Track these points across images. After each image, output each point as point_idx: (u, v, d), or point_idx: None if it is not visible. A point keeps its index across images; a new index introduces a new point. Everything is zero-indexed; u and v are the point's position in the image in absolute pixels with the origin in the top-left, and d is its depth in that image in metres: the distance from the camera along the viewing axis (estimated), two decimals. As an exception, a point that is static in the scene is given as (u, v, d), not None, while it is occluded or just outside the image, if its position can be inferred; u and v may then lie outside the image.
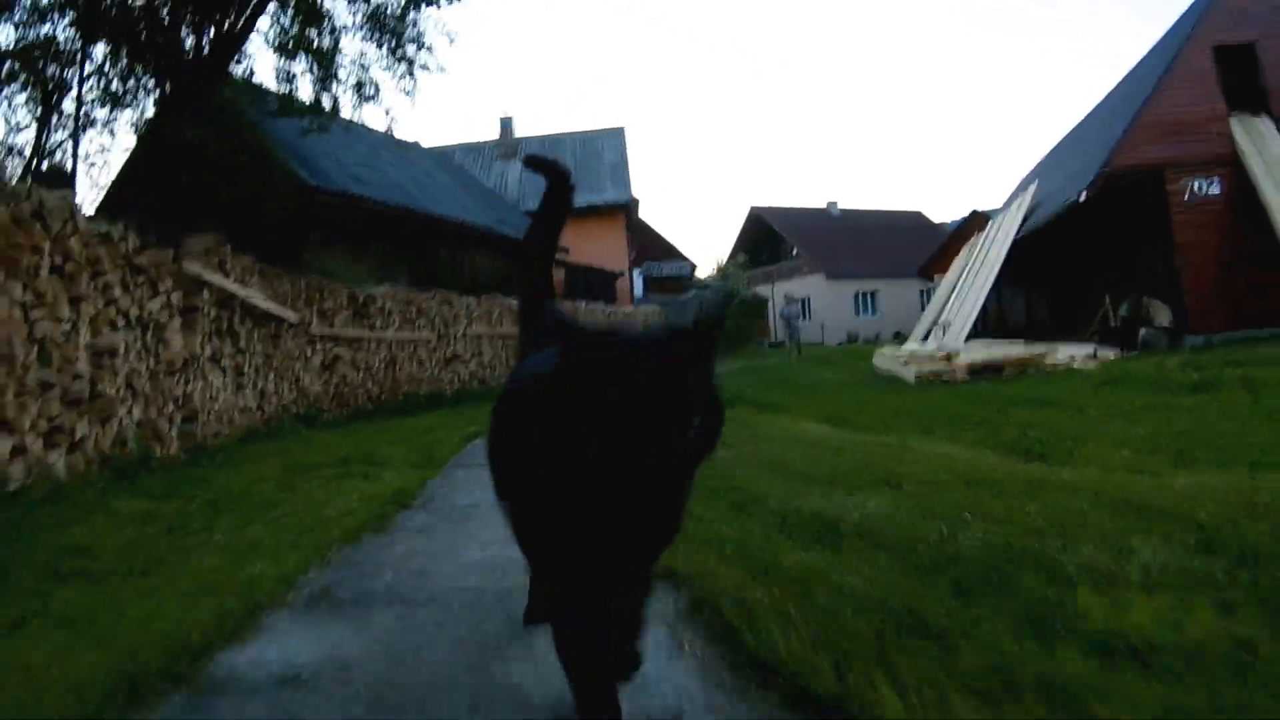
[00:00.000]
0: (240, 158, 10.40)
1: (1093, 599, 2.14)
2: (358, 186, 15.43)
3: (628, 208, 28.70)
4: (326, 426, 9.80)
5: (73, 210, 5.63)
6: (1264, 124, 16.37)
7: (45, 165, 10.85)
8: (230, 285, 8.17)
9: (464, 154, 29.31)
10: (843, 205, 48.76)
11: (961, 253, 24.22)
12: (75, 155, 11.21)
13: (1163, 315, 16.81)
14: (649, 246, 38.54)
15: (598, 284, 25.25)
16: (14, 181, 9.13)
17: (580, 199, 27.64)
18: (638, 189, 69.70)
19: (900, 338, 30.18)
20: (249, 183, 10.59)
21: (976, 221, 28.54)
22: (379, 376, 12.38)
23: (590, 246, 25.77)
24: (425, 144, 24.78)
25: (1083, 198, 17.17)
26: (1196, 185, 16.45)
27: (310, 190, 13.18)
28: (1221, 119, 16.47)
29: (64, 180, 10.32)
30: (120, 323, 6.17)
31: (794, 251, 44.33)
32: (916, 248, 36.03)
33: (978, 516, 3.16)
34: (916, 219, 48.88)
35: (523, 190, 27.96)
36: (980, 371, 13.51)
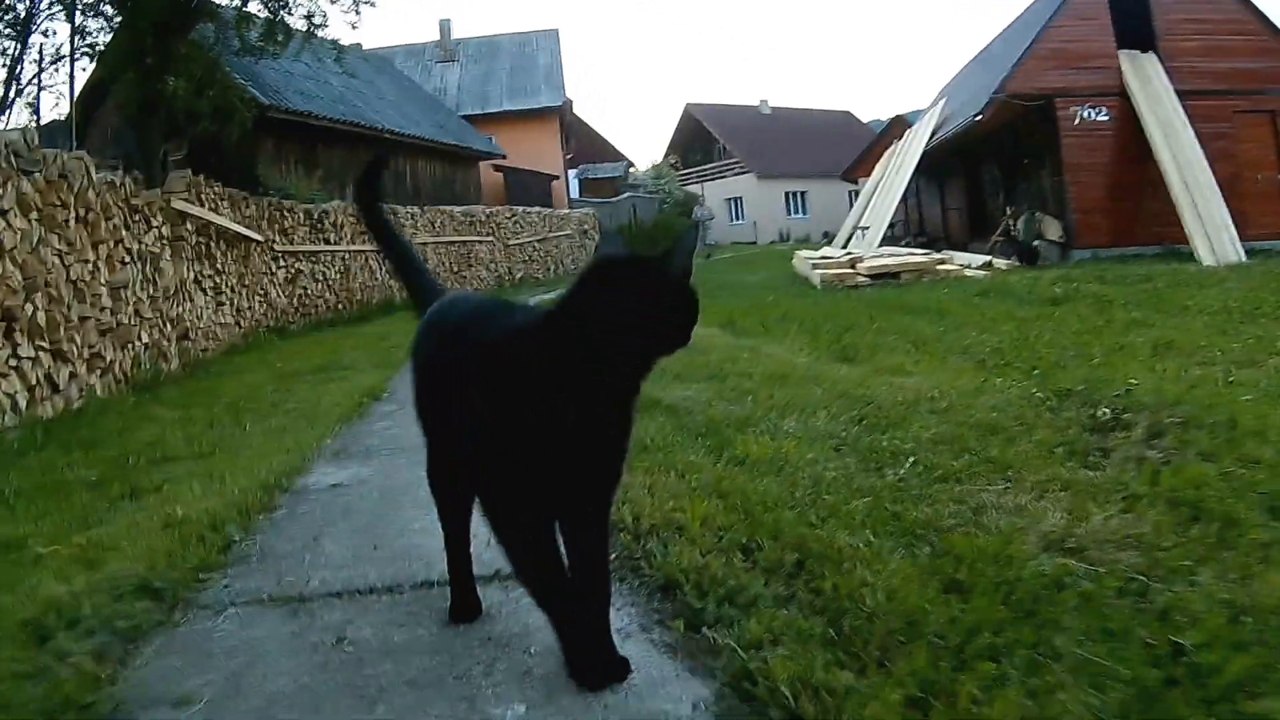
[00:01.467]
0: (201, 83, 11.19)
1: (752, 441, 3.49)
2: (305, 102, 16.27)
3: (561, 110, 29.46)
4: (294, 336, 11.11)
5: (88, 168, 6.81)
6: (1150, 62, 17.71)
7: (14, 97, 11.61)
8: (208, 215, 9.35)
9: (405, 57, 29.71)
10: (773, 104, 49.60)
11: (882, 159, 25.28)
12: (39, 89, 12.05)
13: (1053, 230, 18.37)
14: (586, 147, 39.17)
15: (533, 187, 26.15)
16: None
17: (515, 103, 28.80)
18: (574, 89, 69.53)
19: (829, 237, 31.17)
20: (209, 104, 11.40)
21: (897, 127, 29.45)
22: (336, 287, 13.64)
23: (525, 150, 26.63)
24: (366, 45, 25.11)
25: (978, 119, 18.66)
26: (1085, 113, 17.87)
27: (263, 108, 13.92)
28: (1111, 55, 17.85)
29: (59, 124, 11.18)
30: (126, 258, 7.39)
31: (726, 149, 45.23)
32: (845, 148, 36.66)
33: (750, 400, 4.50)
34: (845, 119, 49.75)
35: (462, 95, 28.71)
36: (880, 277, 14.51)
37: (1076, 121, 17.93)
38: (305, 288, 12.68)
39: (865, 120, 49.01)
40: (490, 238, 20.42)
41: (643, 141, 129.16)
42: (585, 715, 1.53)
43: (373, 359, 7.97)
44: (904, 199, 26.94)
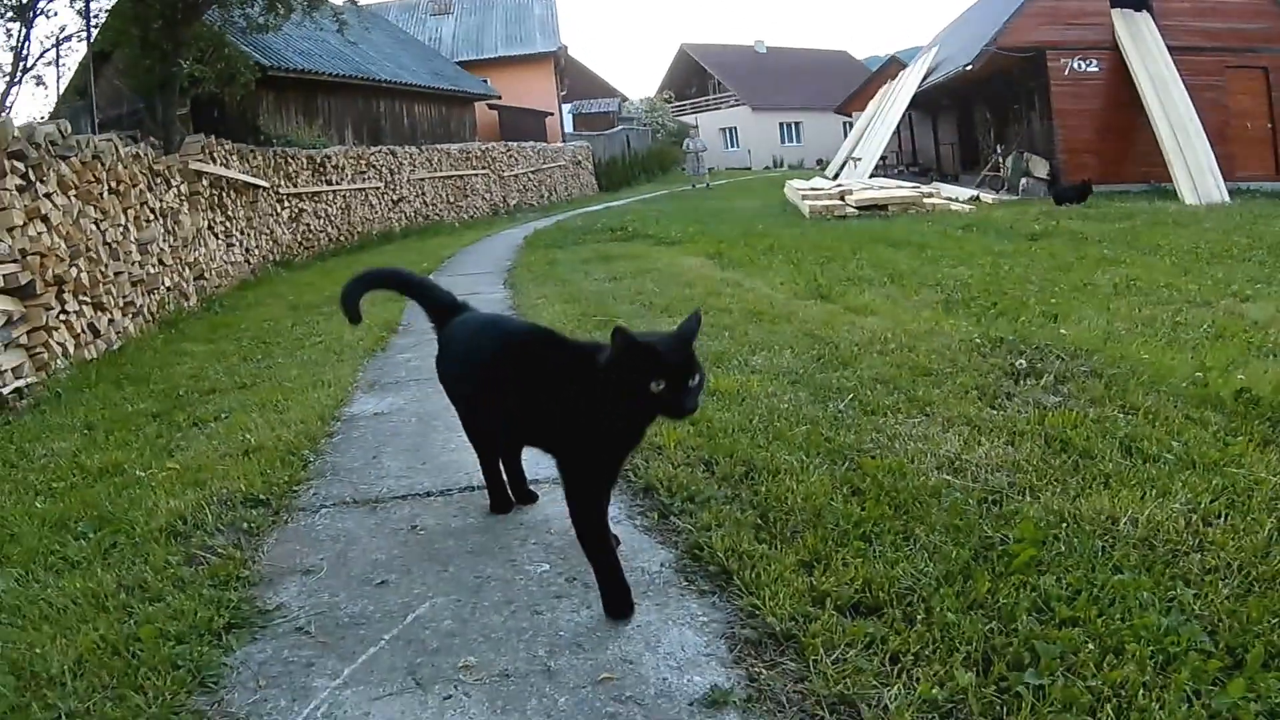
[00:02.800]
0: (208, 56, 11.69)
1: (724, 376, 3.98)
2: (305, 60, 16.62)
3: (556, 55, 29.71)
4: (299, 268, 11.73)
5: (117, 146, 7.40)
6: (1144, 19, 18.38)
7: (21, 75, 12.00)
8: (222, 171, 9.93)
9: (399, 12, 29.80)
10: (770, 44, 49.62)
11: (876, 95, 25.90)
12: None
13: (1040, 168, 19.20)
14: (581, 84, 39.26)
15: (528, 124, 26.54)
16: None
17: (511, 50, 28.92)
18: (569, 28, 68.72)
19: (822, 165, 31.83)
20: (214, 71, 11.88)
21: (893, 66, 29.94)
22: (337, 222, 14.28)
23: (521, 91, 27.00)
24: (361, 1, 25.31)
25: (969, 68, 19.37)
26: (1076, 64, 18.75)
27: (264, 69, 14.32)
28: (1103, 13, 18.55)
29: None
30: (151, 218, 7.97)
31: (720, 84, 45.36)
32: (840, 84, 37.18)
33: (727, 335, 4.98)
34: (841, 58, 49.91)
35: (457, 44, 28.97)
36: (868, 209, 14.89)
37: (1066, 72, 18.83)
38: (308, 224, 13.34)
39: (861, 58, 49.18)
40: (485, 170, 21.01)
41: (637, 79, 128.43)
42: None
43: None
44: (897, 130, 27.47)
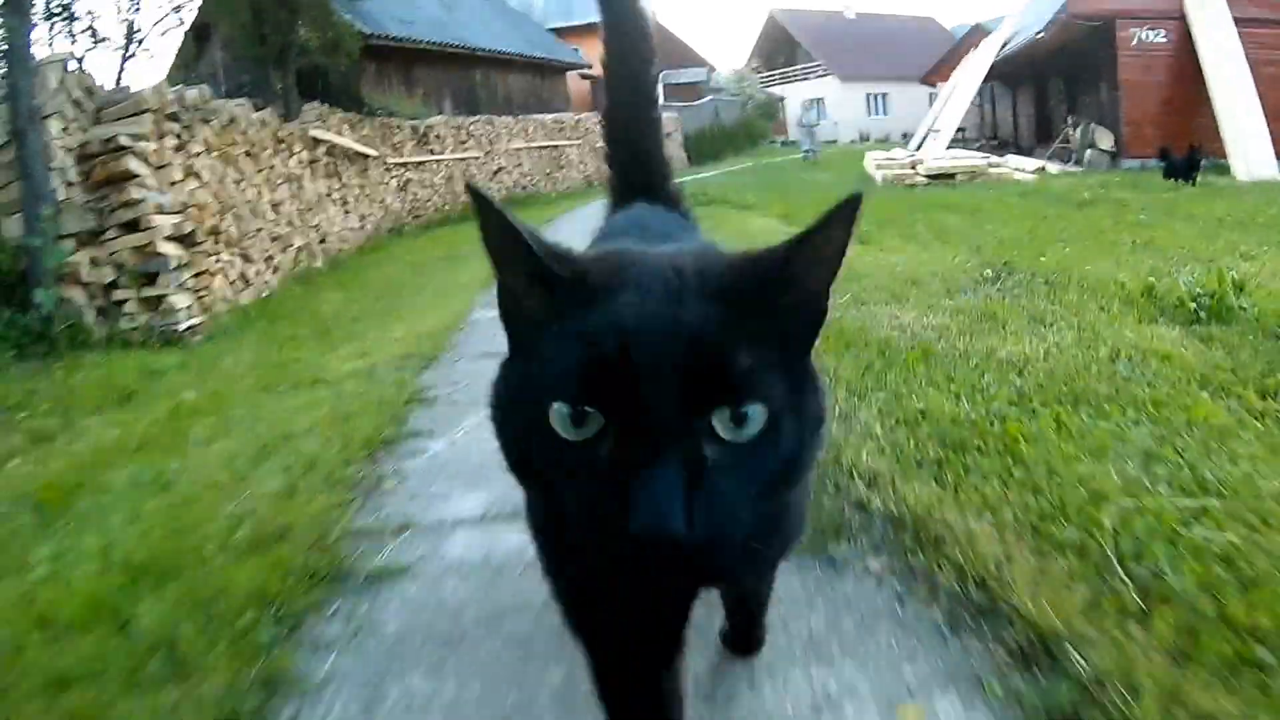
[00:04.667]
0: (315, 25, 12.67)
1: None
2: (402, 29, 17.66)
3: (646, 21, 30.36)
4: (410, 236, 12.80)
5: (248, 112, 8.44)
6: None
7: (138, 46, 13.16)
8: (337, 139, 10.97)
9: (490, -25, 30.70)
10: (858, 9, 49.50)
11: (960, 65, 26.12)
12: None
13: (1105, 140, 19.42)
14: (669, 53, 39.69)
15: (618, 95, 27.32)
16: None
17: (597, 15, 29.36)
18: None
19: (907, 138, 32.00)
20: (317, 40, 12.86)
21: (977, 35, 29.87)
22: (441, 191, 15.30)
23: (610, 61, 27.78)
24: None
25: (1040, 36, 19.65)
26: (1144, 34, 18.71)
27: (365, 38, 15.32)
28: None
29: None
30: (279, 181, 9.04)
31: (808, 53, 45.46)
32: (927, 53, 36.47)
33: None
34: (928, 24, 49.42)
35: (547, 8, 29.71)
36: (937, 178, 15.56)
37: (1135, 42, 18.77)
38: (415, 194, 14.36)
39: (949, 26, 48.72)
40: (579, 141, 21.68)
41: (726, 47, 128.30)
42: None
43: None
44: (979, 104, 27.54)
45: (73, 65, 6.45)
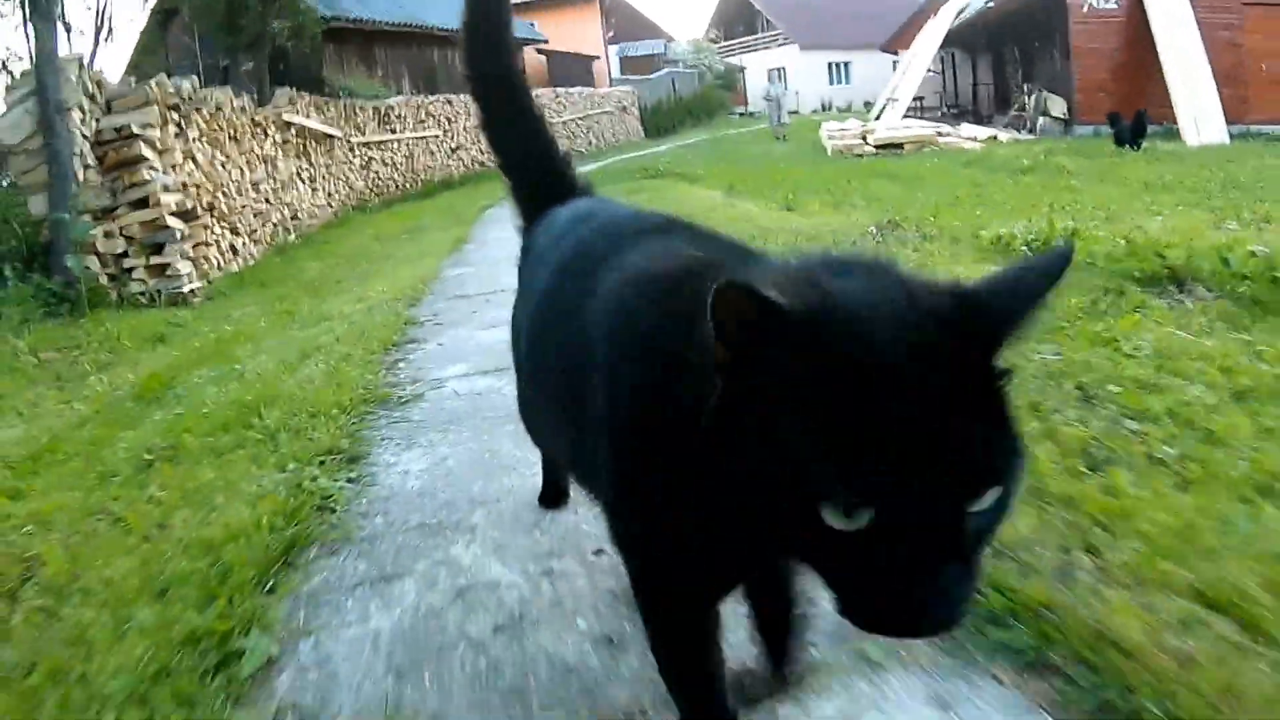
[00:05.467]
0: (279, 12, 13.84)
1: None
2: (360, 9, 18.79)
3: (601, -5, 31.60)
4: (373, 212, 14.03)
5: (231, 100, 9.66)
6: None
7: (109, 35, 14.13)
8: (307, 122, 12.19)
9: (445, -50, 31.66)
10: (819, -26, 50.52)
11: (920, 33, 26.78)
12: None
13: (1057, 107, 20.57)
14: (628, 25, 40.96)
15: (576, 69, 28.43)
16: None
17: (556, -10, 30.63)
18: None
19: (869, 107, 33.07)
20: (282, 23, 14.01)
21: (937, 2, 30.95)
22: (402, 169, 16.54)
23: (567, 34, 28.87)
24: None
25: (990, 6, 21.24)
26: (1095, 1, 19.75)
27: (326, 21, 16.30)
28: None
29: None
30: (257, 162, 10.26)
31: (769, 22, 46.51)
32: (890, 19, 37.00)
33: None
34: (891, -11, 50.65)
35: (504, -16, 30.74)
36: (886, 147, 16.65)
37: (1086, 9, 19.79)
38: (377, 172, 15.60)
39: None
40: None
41: (685, 17, 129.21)
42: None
43: (448, 221, 10.68)
44: (940, 72, 28.61)
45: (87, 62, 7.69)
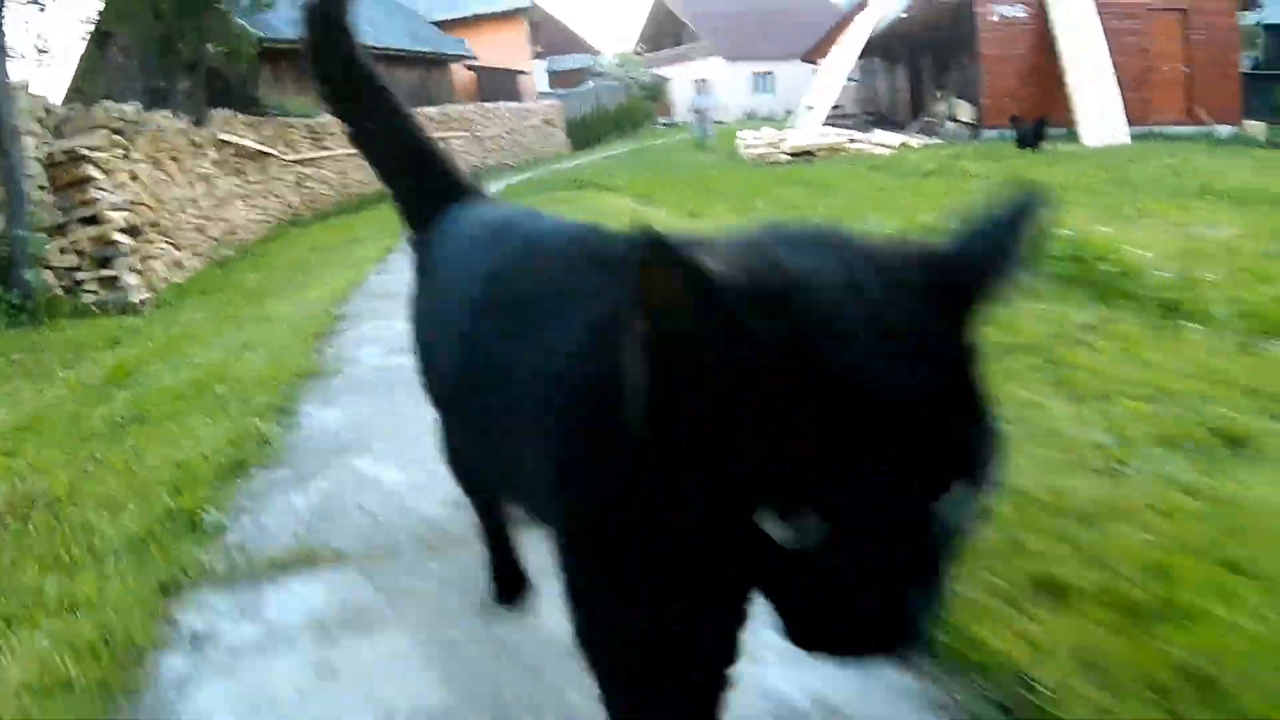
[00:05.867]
0: (215, 36, 14.38)
1: None
2: (294, 29, 19.26)
3: (527, 11, 32.25)
4: (307, 225, 14.62)
5: (171, 121, 10.29)
6: None
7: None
8: (242, 140, 12.82)
9: (375, -34, 32.19)
10: (746, -16, 51.72)
11: (839, 42, 27.56)
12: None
13: (965, 113, 21.46)
14: (556, 40, 41.90)
15: (504, 84, 29.04)
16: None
17: (482, 7, 31.23)
18: None
19: (791, 115, 34.00)
20: (222, 48, 14.57)
21: (857, 11, 31.67)
22: (335, 185, 17.13)
23: (495, 49, 29.51)
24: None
25: (903, 16, 22.01)
26: (1003, 9, 20.54)
27: (260, 42, 16.41)
28: None
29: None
30: (196, 180, 10.89)
31: (693, 35, 47.54)
32: (814, 29, 37.65)
33: None
34: (817, 1, 51.84)
35: (432, 2, 31.40)
36: (800, 155, 17.28)
37: (994, 17, 20.50)
38: (311, 188, 16.18)
39: (839, 1, 50.88)
40: (464, 133, 23.48)
41: (613, 31, 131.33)
42: None
43: (379, 233, 11.20)
44: (860, 80, 29.41)
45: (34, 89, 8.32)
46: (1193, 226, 7.08)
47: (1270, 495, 2.19)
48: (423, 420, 1.85)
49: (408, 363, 1.62)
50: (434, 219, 1.67)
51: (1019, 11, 20.49)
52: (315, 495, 2.56)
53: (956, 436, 0.68)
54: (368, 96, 1.79)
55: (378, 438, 3.04)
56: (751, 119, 40.40)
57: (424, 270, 1.66)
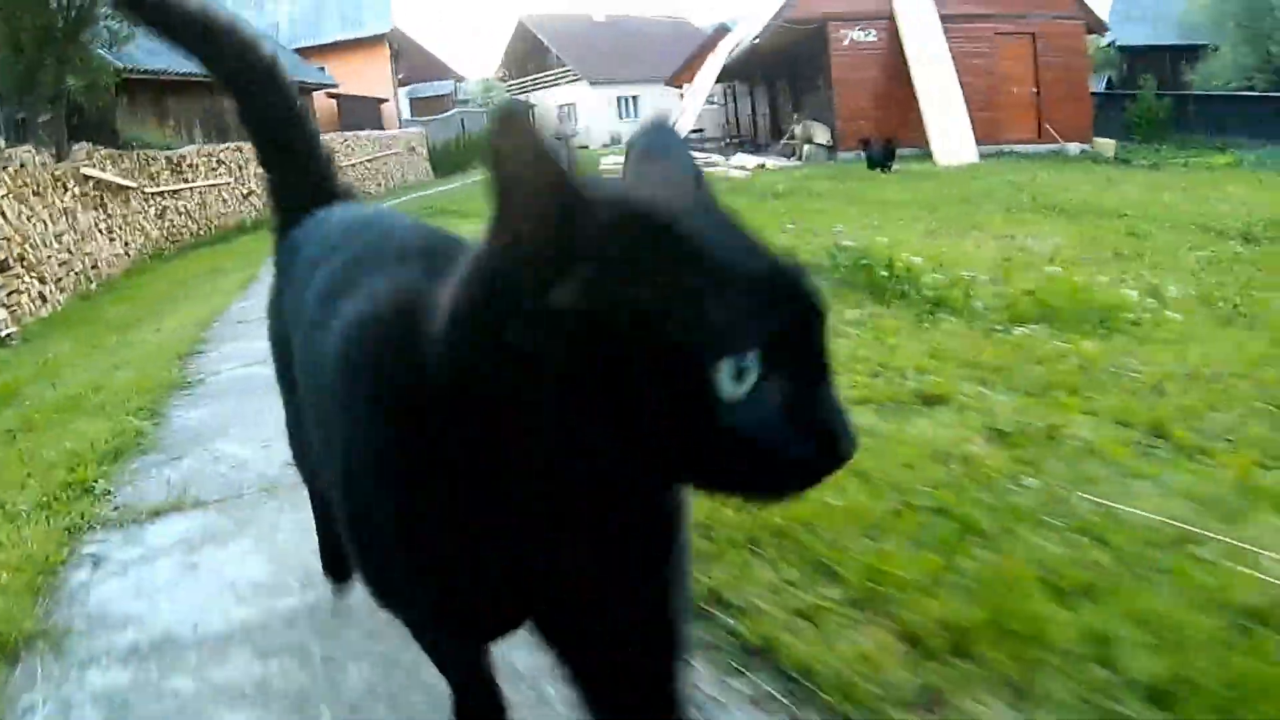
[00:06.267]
0: (76, 71, 14.64)
1: None
2: (152, 59, 19.51)
3: (388, 38, 32.72)
4: (170, 259, 14.97)
5: (35, 156, 10.70)
6: None
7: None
8: (103, 175, 13.18)
9: (235, -4, 32.28)
10: (609, 12, 53.01)
11: (701, 67, 28.41)
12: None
13: (821, 135, 22.65)
14: (418, 67, 42.32)
15: (366, 111, 29.50)
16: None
17: (346, 33, 31.66)
18: (407, 10, 70.08)
19: None
20: (78, 80, 14.80)
21: (718, 36, 32.82)
22: (196, 217, 17.44)
23: (357, 77, 29.98)
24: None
25: (757, 41, 22.86)
26: (856, 34, 21.84)
27: (119, 72, 16.76)
28: None
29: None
30: (59, 215, 11.28)
31: (558, 60, 48.55)
32: (678, 53, 38.91)
33: None
34: (680, 25, 53.42)
35: (294, 28, 31.67)
36: None
37: (846, 42, 21.78)
38: (172, 220, 16.47)
39: (702, 25, 52.47)
40: None
41: (477, 57, 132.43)
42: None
43: (241, 264, 11.79)
44: (723, 104, 30.43)
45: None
46: (1019, 238, 7.94)
47: (923, 431, 2.99)
48: (272, 412, 1.99)
49: (262, 372, 2.05)
50: (302, 218, 1.73)
51: (871, 36, 21.73)
52: (183, 468, 3.31)
53: (815, 292, 0.81)
54: (265, 79, 1.87)
55: (233, 427, 3.79)
56: (616, 144, 41.55)
57: (283, 269, 1.69)
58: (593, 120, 45.08)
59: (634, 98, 47.13)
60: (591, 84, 46.04)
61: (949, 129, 19.56)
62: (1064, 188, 12.64)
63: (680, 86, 33.87)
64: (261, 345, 1.84)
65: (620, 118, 46.70)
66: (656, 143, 1.02)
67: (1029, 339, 4.11)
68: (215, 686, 1.88)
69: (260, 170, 1.94)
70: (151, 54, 19.49)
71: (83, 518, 2.87)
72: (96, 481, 3.20)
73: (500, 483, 0.89)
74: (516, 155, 0.77)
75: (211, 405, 4.28)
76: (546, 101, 44.52)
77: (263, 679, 1.89)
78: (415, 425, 0.92)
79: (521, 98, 45.13)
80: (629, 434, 0.78)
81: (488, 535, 0.93)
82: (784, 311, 0.78)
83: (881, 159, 17.05)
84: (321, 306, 1.23)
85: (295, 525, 2.60)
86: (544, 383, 0.78)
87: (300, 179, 1.88)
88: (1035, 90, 22.46)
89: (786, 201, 12.42)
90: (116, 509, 2.97)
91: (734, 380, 0.74)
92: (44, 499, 3.07)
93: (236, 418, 3.96)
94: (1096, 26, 24.00)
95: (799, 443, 0.78)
